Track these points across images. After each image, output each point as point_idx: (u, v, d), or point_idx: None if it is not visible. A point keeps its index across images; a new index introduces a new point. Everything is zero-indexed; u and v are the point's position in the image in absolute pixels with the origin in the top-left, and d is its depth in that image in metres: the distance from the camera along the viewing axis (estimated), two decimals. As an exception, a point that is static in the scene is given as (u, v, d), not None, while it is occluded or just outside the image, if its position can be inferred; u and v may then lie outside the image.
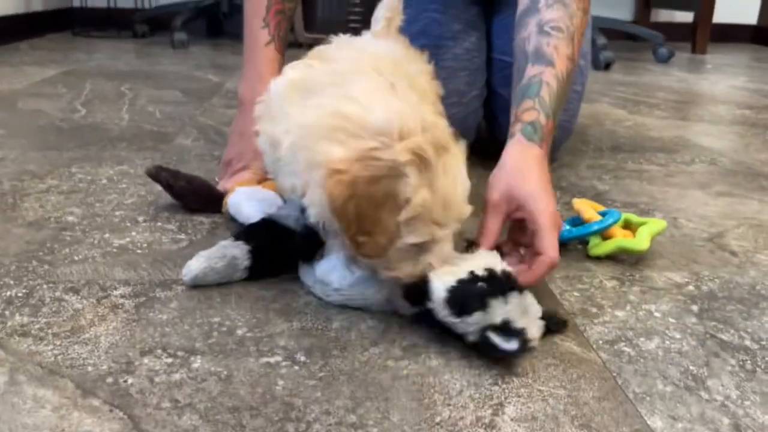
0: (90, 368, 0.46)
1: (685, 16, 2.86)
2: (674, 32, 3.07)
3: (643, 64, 2.32)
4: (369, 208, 0.47)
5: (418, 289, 0.51)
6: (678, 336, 0.53)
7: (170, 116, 1.27)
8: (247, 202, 0.71)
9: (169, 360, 0.48)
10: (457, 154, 0.51)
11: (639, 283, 0.62)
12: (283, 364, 0.48)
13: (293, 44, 2.41)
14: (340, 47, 0.63)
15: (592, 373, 0.48)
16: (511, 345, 0.47)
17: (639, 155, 1.08)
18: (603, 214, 0.70)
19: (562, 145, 1.02)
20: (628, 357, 0.50)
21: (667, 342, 0.52)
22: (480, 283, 0.49)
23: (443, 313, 0.49)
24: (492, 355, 0.48)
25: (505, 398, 0.45)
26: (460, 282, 0.49)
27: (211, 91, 1.55)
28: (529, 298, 0.51)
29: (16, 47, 2.24)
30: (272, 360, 0.48)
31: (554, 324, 0.52)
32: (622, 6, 3.24)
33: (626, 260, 0.67)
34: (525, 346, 0.47)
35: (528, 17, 0.75)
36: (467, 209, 0.51)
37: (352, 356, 0.49)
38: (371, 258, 0.51)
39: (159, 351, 0.49)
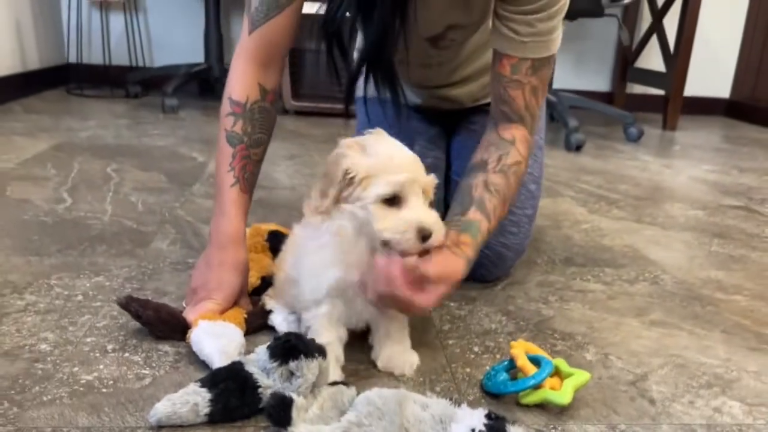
0: None
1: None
2: (649, 103, 3.20)
3: (613, 144, 2.42)
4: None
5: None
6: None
7: (151, 209, 1.34)
8: (207, 339, 0.77)
9: None
10: None
11: (559, 436, 0.69)
12: None
13: (281, 111, 2.50)
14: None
15: None
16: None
17: (588, 270, 1.15)
18: (536, 360, 0.76)
19: (515, 263, 1.10)
20: None
21: None
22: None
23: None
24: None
25: None
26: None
27: (194, 174, 1.62)
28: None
29: (10, 108, 2.32)
30: None
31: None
32: (600, 77, 3.37)
33: (553, 409, 0.73)
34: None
35: (479, 171, 0.89)
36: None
37: None
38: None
39: None
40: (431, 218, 0.67)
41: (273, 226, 1.08)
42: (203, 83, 3.00)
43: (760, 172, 2.08)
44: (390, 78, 0.85)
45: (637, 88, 3.33)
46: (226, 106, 0.89)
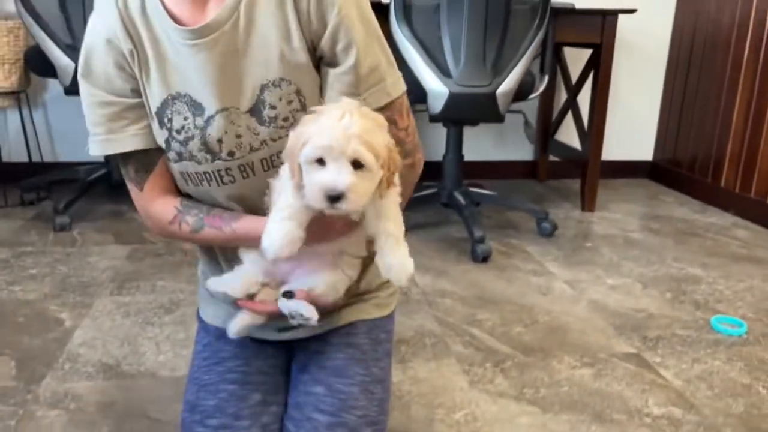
0: None
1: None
2: (573, 169, 3.16)
3: (523, 244, 2.36)
4: None
5: None
6: None
7: (-21, 436, 1.21)
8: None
9: None
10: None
11: None
12: None
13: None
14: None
15: None
16: None
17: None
18: None
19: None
20: None
21: None
22: None
23: None
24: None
25: None
26: None
27: (51, 354, 1.50)
28: None
29: None
30: None
31: None
32: (523, 148, 3.33)
33: None
34: None
35: None
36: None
37: None
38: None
39: None
40: (342, 181, 0.70)
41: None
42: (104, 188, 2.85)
43: (663, 282, 2.04)
44: None
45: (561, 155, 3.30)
46: (168, 227, 0.91)
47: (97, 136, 0.88)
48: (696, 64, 3.11)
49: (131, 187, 0.93)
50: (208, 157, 0.86)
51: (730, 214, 2.83)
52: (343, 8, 0.82)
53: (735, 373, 1.51)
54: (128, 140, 0.87)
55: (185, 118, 0.85)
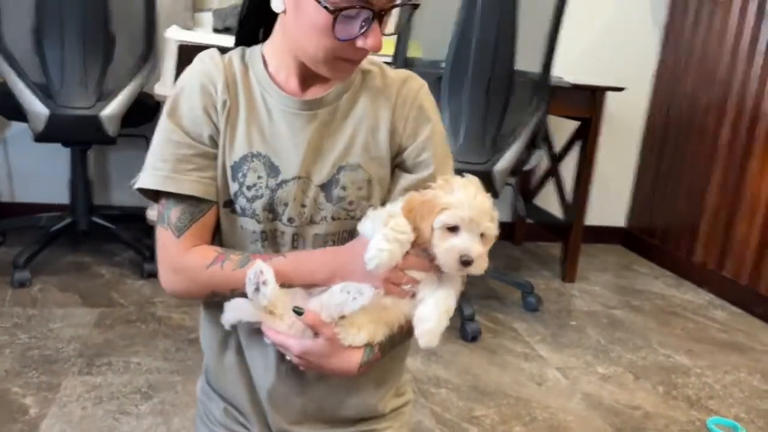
0: None
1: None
2: (552, 232, 3.15)
3: (511, 321, 2.32)
4: None
5: None
6: None
7: None
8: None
9: None
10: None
11: None
12: None
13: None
14: None
15: None
16: None
17: None
18: None
19: None
20: None
21: None
22: None
23: None
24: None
25: None
26: None
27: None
28: None
29: None
30: None
31: None
32: (501, 210, 3.31)
33: None
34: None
35: None
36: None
37: None
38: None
39: None
40: (474, 250, 0.80)
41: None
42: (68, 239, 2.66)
43: (653, 373, 2.03)
44: None
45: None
46: (205, 271, 0.87)
47: (159, 171, 0.87)
48: (672, 140, 3.18)
49: (165, 234, 0.88)
50: (270, 216, 0.88)
51: (704, 291, 2.87)
52: (435, 126, 0.92)
53: (741, 490, 1.48)
54: (189, 184, 0.87)
55: (259, 177, 0.87)
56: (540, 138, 2.43)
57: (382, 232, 0.80)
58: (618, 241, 3.53)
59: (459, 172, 0.89)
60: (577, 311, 2.50)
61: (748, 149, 2.71)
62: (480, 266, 0.81)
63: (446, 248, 0.81)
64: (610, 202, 3.46)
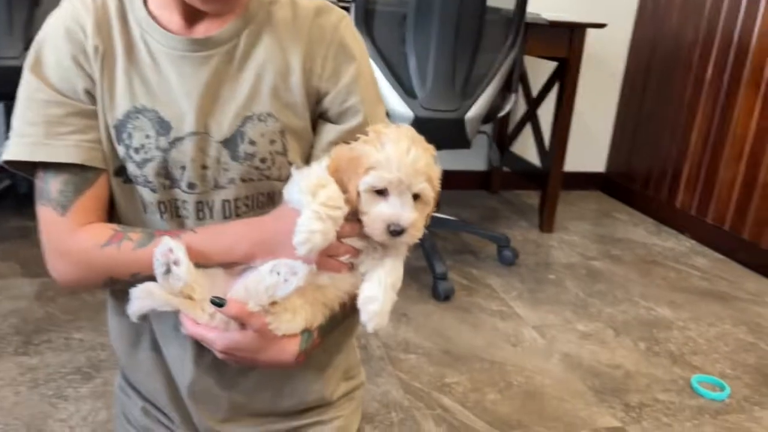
0: None
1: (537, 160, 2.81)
2: (528, 180, 3.03)
3: (486, 276, 2.20)
4: None
5: None
6: None
7: None
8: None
9: None
10: None
11: None
12: None
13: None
14: None
15: None
16: None
17: None
18: None
19: None
20: None
21: None
22: None
23: None
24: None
25: None
26: None
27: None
28: None
29: None
30: None
31: None
32: (477, 158, 3.17)
33: None
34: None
35: None
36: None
37: None
38: None
39: None
40: (405, 217, 0.69)
41: None
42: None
43: (634, 328, 1.94)
44: None
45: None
46: (99, 253, 0.72)
47: (26, 138, 0.71)
48: (654, 80, 3.02)
49: (47, 212, 0.73)
50: (166, 182, 0.74)
51: (685, 237, 2.77)
52: (361, 66, 0.79)
53: (726, 454, 1.40)
54: (66, 150, 0.71)
55: (147, 137, 0.73)
56: (516, 81, 2.26)
57: (312, 209, 0.67)
58: (597, 187, 3.41)
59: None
60: (555, 264, 2.39)
61: (734, 89, 2.56)
62: (413, 235, 0.70)
63: (372, 216, 0.70)
64: (588, 147, 3.32)
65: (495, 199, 3.12)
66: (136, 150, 0.73)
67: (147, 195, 0.75)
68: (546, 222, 2.71)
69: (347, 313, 0.78)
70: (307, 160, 0.79)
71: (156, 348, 0.82)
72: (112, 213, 0.78)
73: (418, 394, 1.53)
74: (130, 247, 0.71)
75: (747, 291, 2.27)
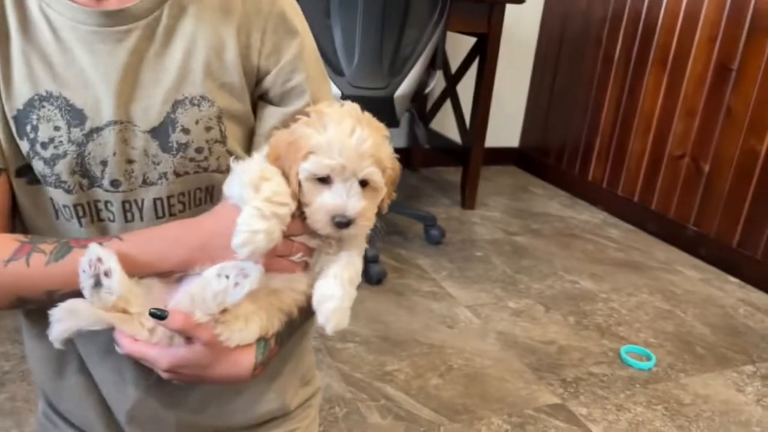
0: None
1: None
2: (448, 155, 3.03)
3: (415, 257, 2.18)
4: None
5: None
6: None
7: None
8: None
9: None
10: None
11: None
12: None
13: None
14: None
15: None
16: None
17: None
18: None
19: None
20: None
21: None
22: None
23: None
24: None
25: None
26: None
27: None
28: None
29: None
30: None
31: None
32: (397, 134, 3.13)
33: None
34: None
35: None
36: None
37: None
38: None
39: None
40: (351, 207, 0.62)
41: None
42: None
43: (562, 303, 1.99)
44: None
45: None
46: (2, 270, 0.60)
47: None
48: (566, 56, 3.09)
49: None
50: (83, 182, 0.64)
51: (598, 210, 2.88)
52: (305, 40, 0.72)
53: (659, 423, 1.46)
54: None
55: (56, 128, 0.62)
56: (440, 57, 2.22)
57: (254, 205, 0.59)
58: (511, 161, 3.47)
59: (356, 100, 0.67)
60: (480, 240, 2.41)
61: (642, 65, 2.66)
62: (362, 226, 0.63)
63: (315, 207, 0.62)
64: (503, 123, 3.36)
65: (416, 177, 3.11)
66: (44, 145, 0.62)
67: (60, 197, 0.64)
68: (468, 199, 2.72)
69: (305, 316, 0.71)
70: (249, 148, 0.71)
71: (85, 371, 0.71)
72: (15, 221, 0.66)
73: (360, 385, 1.48)
74: (41, 261, 0.59)
75: (658, 260, 2.39)
